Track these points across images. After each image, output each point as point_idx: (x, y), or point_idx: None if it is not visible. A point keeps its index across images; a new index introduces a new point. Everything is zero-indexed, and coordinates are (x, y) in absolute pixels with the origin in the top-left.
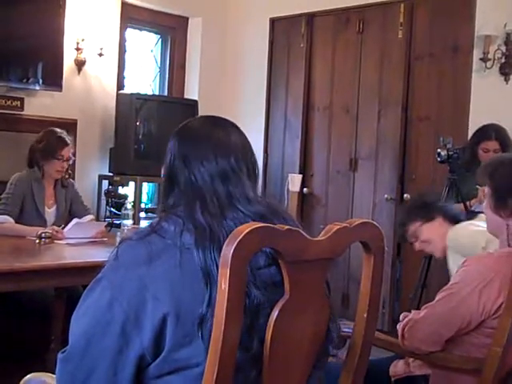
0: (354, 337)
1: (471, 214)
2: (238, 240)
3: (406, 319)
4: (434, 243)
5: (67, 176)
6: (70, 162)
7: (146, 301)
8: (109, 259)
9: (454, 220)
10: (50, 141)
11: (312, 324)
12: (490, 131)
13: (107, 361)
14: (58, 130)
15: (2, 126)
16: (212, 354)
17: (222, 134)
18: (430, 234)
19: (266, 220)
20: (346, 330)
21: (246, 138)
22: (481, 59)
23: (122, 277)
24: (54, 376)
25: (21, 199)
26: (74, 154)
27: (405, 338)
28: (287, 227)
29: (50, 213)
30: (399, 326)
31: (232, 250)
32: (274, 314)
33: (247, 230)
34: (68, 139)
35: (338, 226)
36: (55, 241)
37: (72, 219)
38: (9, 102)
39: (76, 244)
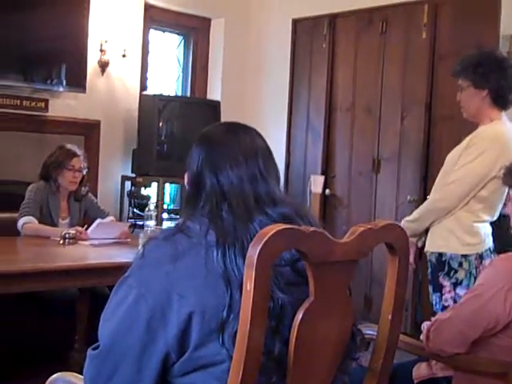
0: (379, 339)
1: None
2: (264, 241)
3: (432, 320)
4: None
5: (84, 191)
6: (84, 172)
7: (172, 298)
8: (135, 258)
9: None
10: (61, 153)
11: (336, 326)
12: None
13: (132, 357)
14: (69, 144)
15: (26, 127)
16: (237, 356)
17: (248, 139)
18: None
19: (292, 221)
20: (370, 332)
21: (266, 142)
22: None
23: (148, 274)
24: (79, 376)
25: (39, 206)
26: (87, 168)
27: (429, 340)
28: (312, 229)
29: (63, 224)
30: (424, 329)
31: (258, 252)
32: (299, 315)
33: (273, 232)
34: (78, 151)
35: (363, 228)
36: (79, 241)
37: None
38: (33, 104)
39: (99, 245)
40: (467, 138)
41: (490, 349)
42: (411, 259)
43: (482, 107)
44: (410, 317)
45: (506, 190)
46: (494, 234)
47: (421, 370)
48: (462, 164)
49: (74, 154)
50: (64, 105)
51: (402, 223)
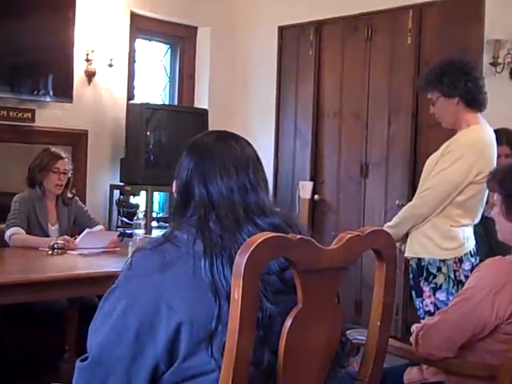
0: (368, 345)
1: (485, 220)
2: (251, 250)
3: (420, 325)
4: None
5: (71, 195)
6: (69, 174)
7: (160, 309)
8: (123, 269)
9: None
10: (45, 156)
11: (325, 333)
12: (500, 136)
13: (121, 369)
14: (53, 147)
15: (13, 137)
16: (226, 366)
17: (238, 149)
18: None
19: (281, 231)
20: (360, 337)
21: (256, 151)
22: (491, 64)
23: (136, 285)
24: None
25: (26, 216)
26: (72, 171)
27: (418, 345)
28: (299, 236)
29: (53, 230)
30: (413, 334)
31: (245, 260)
32: (288, 323)
33: (260, 240)
34: (63, 154)
35: (351, 235)
36: (68, 251)
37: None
38: (20, 114)
39: (88, 254)
40: (444, 145)
41: (479, 353)
42: None
43: (458, 113)
44: (400, 320)
45: (486, 193)
46: (487, 236)
47: (412, 375)
48: (438, 171)
49: (59, 157)
50: (51, 115)
51: (384, 228)
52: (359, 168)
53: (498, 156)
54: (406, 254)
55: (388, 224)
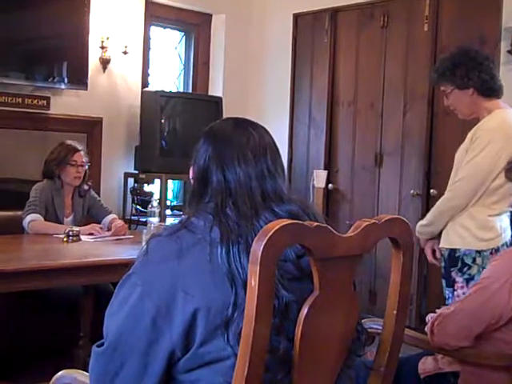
0: (384, 334)
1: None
2: (268, 237)
3: (436, 314)
4: None
5: (87, 187)
6: (85, 167)
7: (177, 295)
8: (138, 255)
9: None
10: (62, 149)
11: (342, 321)
12: None
13: (138, 354)
14: (69, 140)
15: (28, 125)
16: (242, 353)
17: (257, 136)
18: None
19: (298, 218)
20: (375, 326)
21: (273, 139)
22: (508, 51)
23: (153, 271)
24: (84, 373)
25: (44, 205)
26: (89, 163)
27: (434, 334)
28: (316, 224)
29: (67, 222)
30: (428, 323)
31: (262, 247)
32: (304, 310)
33: (277, 227)
34: (79, 146)
35: (367, 223)
36: (82, 238)
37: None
38: (35, 102)
39: (103, 241)
40: (471, 132)
41: (495, 343)
42: (438, 254)
43: (474, 103)
44: (414, 310)
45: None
46: None
47: (427, 365)
48: (468, 160)
49: (75, 149)
50: (66, 102)
51: (417, 229)
52: (374, 157)
53: None
54: (441, 245)
55: (422, 223)
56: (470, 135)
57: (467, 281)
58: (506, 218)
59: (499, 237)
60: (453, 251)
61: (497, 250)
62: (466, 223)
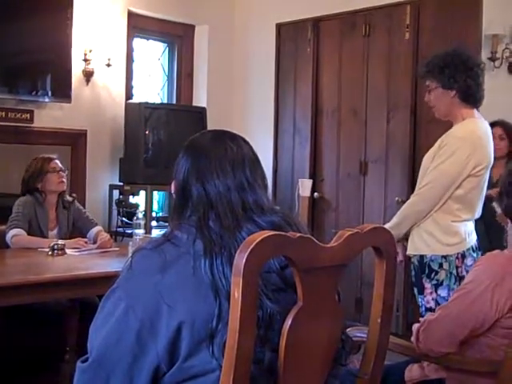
0: (369, 342)
1: (485, 215)
2: (250, 249)
3: (421, 321)
4: None
5: (71, 199)
6: (66, 173)
7: (161, 309)
8: (123, 269)
9: None
10: (36, 162)
11: (326, 331)
12: (495, 122)
13: (122, 369)
14: (41, 155)
15: (12, 138)
16: (227, 365)
17: (235, 148)
18: None
19: (281, 229)
20: (360, 334)
21: (253, 150)
22: (489, 58)
23: (137, 286)
24: None
25: (27, 220)
26: (67, 169)
27: (419, 341)
28: (299, 235)
29: (52, 235)
30: (413, 331)
31: (244, 259)
32: (288, 321)
33: (259, 239)
34: (53, 155)
35: (350, 232)
36: (67, 252)
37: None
38: (19, 115)
39: (88, 255)
40: (439, 139)
41: (481, 348)
42: (400, 257)
43: (452, 106)
44: (401, 317)
45: (485, 187)
46: (487, 232)
47: (413, 372)
48: (435, 165)
49: (50, 158)
50: (50, 115)
51: None
52: (358, 165)
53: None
54: (408, 252)
55: (387, 225)
56: (439, 141)
57: (435, 286)
58: (470, 223)
59: (464, 241)
60: (421, 258)
61: (462, 254)
62: (430, 229)
